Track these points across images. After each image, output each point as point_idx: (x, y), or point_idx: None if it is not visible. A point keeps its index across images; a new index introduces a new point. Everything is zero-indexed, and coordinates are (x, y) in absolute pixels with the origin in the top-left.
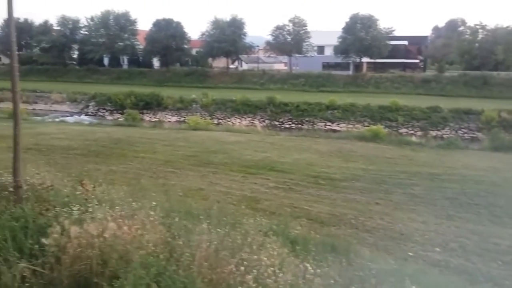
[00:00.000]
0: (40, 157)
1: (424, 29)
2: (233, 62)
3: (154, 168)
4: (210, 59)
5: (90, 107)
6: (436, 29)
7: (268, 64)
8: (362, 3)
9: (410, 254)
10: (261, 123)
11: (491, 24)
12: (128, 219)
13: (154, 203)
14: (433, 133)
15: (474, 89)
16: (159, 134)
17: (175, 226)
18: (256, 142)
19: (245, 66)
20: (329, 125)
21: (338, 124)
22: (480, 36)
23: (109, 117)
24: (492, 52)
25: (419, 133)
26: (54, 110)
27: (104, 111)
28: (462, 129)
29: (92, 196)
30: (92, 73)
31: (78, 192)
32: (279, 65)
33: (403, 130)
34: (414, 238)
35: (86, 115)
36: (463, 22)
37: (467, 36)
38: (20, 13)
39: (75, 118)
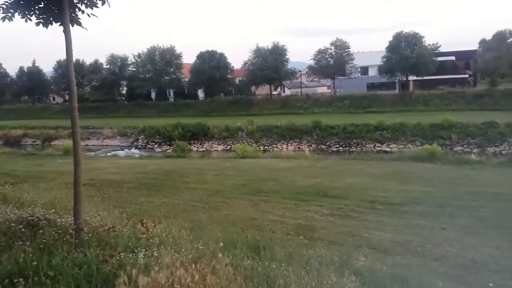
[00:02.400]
0: (94, 192)
1: (470, 43)
2: (275, 89)
3: (205, 199)
4: (253, 87)
5: (140, 140)
6: (483, 42)
7: (311, 88)
8: (405, 22)
9: (491, 284)
10: (308, 147)
11: None
12: (195, 263)
13: (213, 241)
14: (491, 149)
15: None
16: (208, 163)
17: (243, 267)
18: (306, 167)
19: (287, 92)
20: (379, 146)
21: (388, 145)
22: None
23: (158, 149)
24: None
25: (476, 150)
26: (106, 145)
27: (153, 143)
28: None
29: (155, 238)
30: (141, 107)
31: (139, 233)
32: (322, 88)
33: (458, 148)
34: (490, 266)
35: (136, 148)
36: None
37: None
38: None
39: (126, 151)
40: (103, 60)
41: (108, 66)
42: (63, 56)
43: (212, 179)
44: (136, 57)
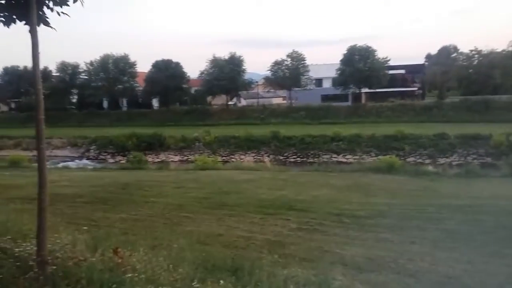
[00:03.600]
0: None
1: (416, 58)
2: (231, 99)
3: (166, 214)
4: (209, 97)
5: (91, 150)
6: (429, 56)
7: (266, 99)
8: (355, 37)
9: None
10: (267, 158)
11: (484, 48)
12: None
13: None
14: (442, 160)
15: (476, 114)
16: (167, 176)
17: None
18: (269, 179)
19: (243, 102)
20: (335, 157)
21: (344, 155)
22: (476, 61)
23: (111, 160)
24: (490, 77)
25: (428, 161)
26: (55, 156)
27: (105, 154)
28: (471, 155)
29: (133, 272)
30: (92, 116)
31: (112, 264)
32: (278, 99)
33: (410, 159)
34: (465, 281)
35: (87, 159)
36: (456, 49)
37: (464, 62)
38: (18, 61)
39: (77, 162)
40: (53, 67)
41: (58, 74)
42: (9, 62)
43: (172, 192)
44: (88, 65)
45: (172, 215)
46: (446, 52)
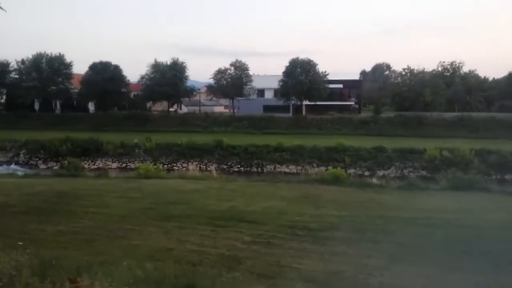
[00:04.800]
0: None
1: (351, 73)
2: (172, 105)
3: (109, 226)
4: (149, 103)
5: (21, 155)
6: (363, 73)
7: (207, 107)
8: (293, 50)
9: None
10: (209, 167)
11: (415, 67)
12: None
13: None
14: (380, 172)
15: (410, 129)
16: (107, 184)
17: None
18: (216, 189)
19: (184, 109)
20: (279, 167)
21: (287, 166)
22: (408, 79)
23: (43, 166)
24: (421, 94)
25: (367, 173)
26: None
27: (37, 159)
28: (408, 168)
29: None
30: (22, 118)
31: None
32: (219, 107)
33: (351, 171)
34: None
35: (16, 164)
36: (388, 67)
37: (397, 79)
38: None
39: (5, 168)
40: None
41: None
42: None
43: (114, 202)
44: (19, 63)
45: (115, 228)
46: (380, 70)
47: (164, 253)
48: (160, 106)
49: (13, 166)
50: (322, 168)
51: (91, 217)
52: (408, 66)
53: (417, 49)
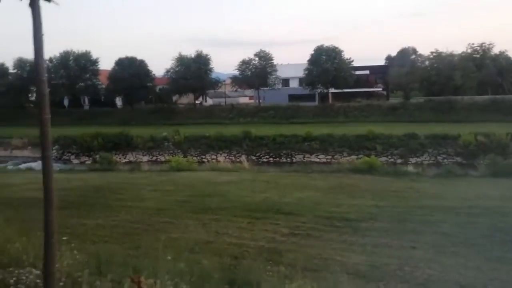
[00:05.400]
0: (12, 214)
1: (375, 59)
2: (197, 98)
3: (147, 219)
4: (175, 96)
5: (54, 151)
6: (389, 58)
7: (232, 98)
8: (316, 38)
9: None
10: (237, 158)
11: (443, 50)
12: None
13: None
14: (413, 160)
15: (441, 114)
16: (141, 178)
17: None
18: (249, 181)
19: (209, 101)
20: (308, 157)
21: (317, 155)
22: (436, 63)
23: (76, 161)
24: (450, 78)
25: (399, 160)
26: (15, 156)
27: (69, 154)
28: (441, 155)
29: None
30: (52, 115)
31: None
32: (244, 98)
33: (382, 159)
34: None
35: None
36: (415, 51)
37: (425, 64)
38: None
39: (39, 163)
40: (9, 64)
41: (15, 71)
42: None
43: (149, 195)
44: (47, 61)
45: (153, 221)
46: (406, 54)
47: (203, 246)
48: (185, 99)
49: None
50: (353, 157)
51: (128, 211)
52: (436, 49)
53: (444, 32)
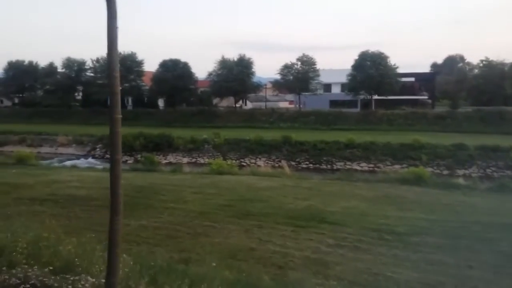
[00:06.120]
0: (58, 210)
1: (419, 65)
2: (237, 101)
3: (189, 222)
4: (216, 99)
5: (97, 149)
6: (434, 65)
7: (272, 102)
8: (358, 43)
9: None
10: (277, 163)
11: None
12: None
13: None
14: (460, 172)
15: (490, 124)
16: (183, 179)
17: None
18: (291, 187)
19: (249, 105)
20: (349, 165)
21: (358, 163)
22: (486, 71)
23: None
24: (501, 87)
25: (445, 172)
26: (60, 153)
27: None
28: (491, 167)
29: None
30: (97, 114)
31: None
32: (284, 103)
33: (428, 169)
34: None
35: (93, 157)
36: (462, 58)
37: (473, 72)
38: (24, 56)
39: (83, 161)
40: (58, 63)
41: (63, 70)
42: (13, 56)
43: (191, 197)
44: (94, 61)
45: (195, 224)
46: (453, 62)
47: (246, 253)
48: (225, 102)
49: (90, 159)
50: (397, 166)
51: (170, 213)
52: (486, 57)
53: (493, 39)
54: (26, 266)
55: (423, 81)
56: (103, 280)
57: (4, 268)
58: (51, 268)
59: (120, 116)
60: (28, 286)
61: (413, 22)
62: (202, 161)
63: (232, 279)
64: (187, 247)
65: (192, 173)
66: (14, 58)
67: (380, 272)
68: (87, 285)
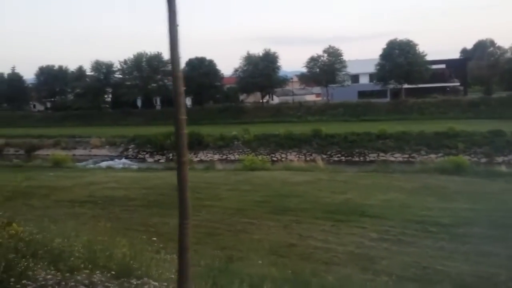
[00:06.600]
0: (98, 211)
1: (447, 52)
2: (263, 97)
3: (227, 219)
4: (243, 95)
5: (130, 150)
6: (464, 51)
7: (299, 96)
8: (384, 32)
9: None
10: (308, 157)
11: None
12: None
13: None
14: (499, 159)
15: None
16: (216, 177)
17: None
18: (326, 181)
19: (276, 100)
20: (383, 156)
21: (392, 154)
22: None
23: (150, 159)
24: None
25: (483, 159)
26: (94, 155)
27: (144, 153)
28: None
29: None
30: (127, 115)
31: None
32: (311, 96)
33: (465, 158)
34: None
35: (126, 158)
36: (492, 43)
37: (504, 56)
38: (54, 61)
39: (117, 162)
40: (87, 66)
41: (92, 73)
42: (44, 62)
43: (227, 195)
44: (122, 63)
45: (233, 221)
46: (482, 47)
47: (287, 249)
48: (252, 98)
49: (123, 160)
50: (432, 156)
51: (208, 210)
52: None
53: None
54: (87, 271)
55: (454, 67)
56: (165, 284)
57: (67, 274)
58: (113, 272)
59: (185, 117)
60: None
61: (440, 8)
62: (232, 157)
63: (280, 277)
64: (228, 245)
65: (225, 170)
66: (44, 63)
67: (429, 265)
68: None
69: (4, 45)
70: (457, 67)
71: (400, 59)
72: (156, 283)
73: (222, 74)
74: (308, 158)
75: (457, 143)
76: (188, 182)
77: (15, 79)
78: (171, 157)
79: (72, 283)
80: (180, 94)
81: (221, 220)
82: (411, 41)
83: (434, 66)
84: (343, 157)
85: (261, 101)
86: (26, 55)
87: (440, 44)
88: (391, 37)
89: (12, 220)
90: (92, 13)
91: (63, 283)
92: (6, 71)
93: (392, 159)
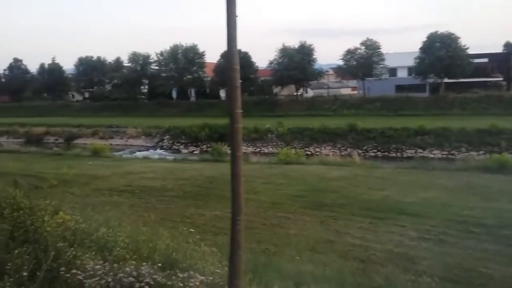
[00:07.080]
0: (135, 201)
1: (489, 46)
2: (298, 89)
3: (262, 213)
4: (277, 87)
5: (165, 140)
6: (507, 45)
7: (334, 89)
8: (421, 25)
9: None
10: (342, 151)
11: None
12: None
13: None
14: None
15: None
16: (251, 170)
17: None
18: (363, 177)
19: (310, 93)
20: (421, 152)
21: (430, 151)
22: None
23: (184, 150)
24: None
25: None
26: (130, 145)
27: (178, 144)
28: None
29: None
30: (162, 106)
31: None
32: (346, 89)
33: (509, 156)
34: None
35: (161, 148)
36: None
37: None
38: (93, 52)
39: (153, 152)
40: (124, 58)
41: (129, 64)
42: (83, 53)
43: (262, 188)
44: (158, 55)
45: (269, 215)
46: None
47: (324, 245)
48: (286, 91)
49: (159, 150)
50: (473, 153)
51: (243, 203)
52: None
53: None
54: (134, 262)
55: (497, 61)
56: (211, 278)
57: (115, 265)
58: (159, 264)
59: (241, 111)
60: (143, 284)
61: (482, 1)
62: (266, 150)
63: (319, 274)
64: (263, 238)
65: (260, 163)
66: (84, 54)
67: (472, 267)
68: (197, 283)
69: (45, 37)
70: (499, 61)
71: (441, 52)
72: (203, 277)
73: (257, 66)
74: (343, 153)
75: (500, 141)
76: (241, 178)
77: (55, 69)
78: (205, 149)
79: (121, 274)
80: (236, 87)
81: (256, 213)
82: (452, 34)
83: (476, 60)
84: (379, 153)
85: (295, 94)
86: (66, 47)
87: (482, 37)
88: (430, 30)
89: (59, 209)
90: (132, 7)
91: (111, 273)
92: (47, 61)
93: (431, 156)
